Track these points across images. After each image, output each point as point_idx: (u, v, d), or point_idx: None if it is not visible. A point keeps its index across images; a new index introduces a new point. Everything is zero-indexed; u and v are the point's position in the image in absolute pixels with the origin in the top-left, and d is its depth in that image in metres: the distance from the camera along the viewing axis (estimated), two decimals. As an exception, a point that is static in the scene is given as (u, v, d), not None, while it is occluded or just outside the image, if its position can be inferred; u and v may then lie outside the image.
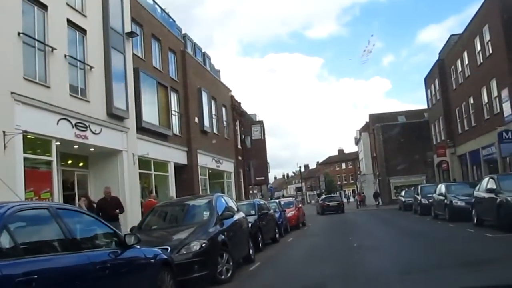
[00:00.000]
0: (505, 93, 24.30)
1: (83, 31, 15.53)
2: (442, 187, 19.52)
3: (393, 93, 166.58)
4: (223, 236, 8.79)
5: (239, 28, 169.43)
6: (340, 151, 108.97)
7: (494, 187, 12.88)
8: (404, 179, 45.56)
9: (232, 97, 34.28)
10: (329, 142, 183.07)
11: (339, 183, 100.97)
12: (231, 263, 8.64)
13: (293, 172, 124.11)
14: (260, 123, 37.32)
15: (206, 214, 9.26)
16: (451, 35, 37.46)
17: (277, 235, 16.14)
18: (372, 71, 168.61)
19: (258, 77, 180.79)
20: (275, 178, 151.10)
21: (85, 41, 15.78)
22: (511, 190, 12.40)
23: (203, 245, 8.06)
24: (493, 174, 15.45)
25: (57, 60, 13.75)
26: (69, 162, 16.31)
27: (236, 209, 11.06)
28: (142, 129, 19.43)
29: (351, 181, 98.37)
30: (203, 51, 32.63)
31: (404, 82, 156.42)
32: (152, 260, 5.82)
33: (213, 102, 29.28)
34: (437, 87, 37.94)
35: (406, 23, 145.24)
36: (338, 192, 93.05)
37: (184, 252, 7.90)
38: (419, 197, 24.64)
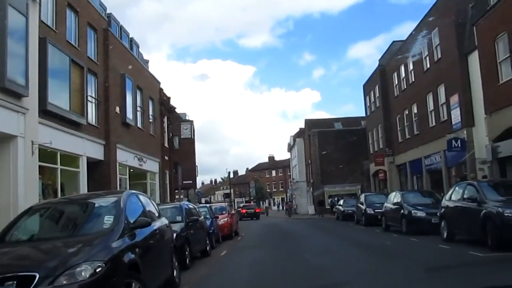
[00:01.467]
0: (454, 99, 22.94)
1: (-34, -24, 11.81)
2: (397, 196, 17.46)
3: (322, 105, 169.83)
4: (132, 255, 5.71)
5: (173, 32, 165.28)
6: (271, 158, 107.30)
7: (476, 195, 10.74)
8: (339, 187, 44.05)
9: (161, 90, 30.88)
10: (258, 149, 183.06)
11: (268, 190, 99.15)
12: (142, 298, 5.57)
13: (222, 178, 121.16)
14: (191, 122, 34.03)
15: (108, 220, 6.09)
16: (393, 41, 36.50)
17: (208, 248, 13.16)
18: (303, 83, 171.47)
19: (189, 82, 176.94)
20: (203, 183, 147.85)
21: (-30, -10, 12.07)
22: (497, 199, 10.32)
23: (98, 270, 4.96)
24: (471, 180, 13.45)
25: None
26: None
27: (157, 214, 8.00)
28: (47, 113, 15.79)
29: (281, 189, 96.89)
30: (130, 36, 29.08)
31: (333, 95, 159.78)
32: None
33: (138, 93, 25.81)
34: (377, 94, 36.74)
35: (338, 38, 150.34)
36: (267, 200, 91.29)
37: (64, 283, 4.76)
38: (363, 207, 22.62)
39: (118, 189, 21.20)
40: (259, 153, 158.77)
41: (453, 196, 12.27)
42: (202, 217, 13.78)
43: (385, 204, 18.41)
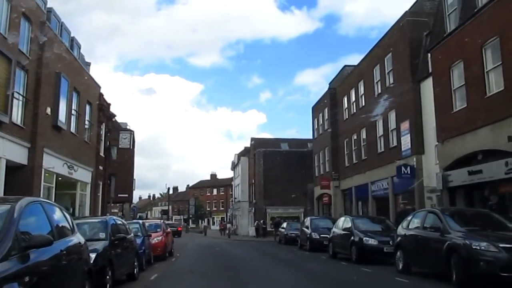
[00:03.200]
0: (405, 125, 22.59)
1: None
2: (347, 221, 16.44)
3: (267, 127, 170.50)
4: (18, 286, 4.11)
5: (122, 44, 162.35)
6: (213, 176, 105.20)
7: (438, 224, 9.80)
8: (282, 209, 43.02)
9: (101, 95, 28.78)
10: (200, 167, 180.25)
11: (208, 209, 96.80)
12: None
13: (161, 194, 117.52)
14: (131, 132, 31.91)
15: (-10, 237, 4.46)
16: (345, 66, 36.39)
17: (135, 270, 11.45)
18: (249, 104, 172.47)
19: (136, 95, 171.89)
20: (140, 198, 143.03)
21: None
22: (461, 230, 9.41)
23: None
24: (433, 208, 12.54)
25: None
26: None
27: (71, 230, 6.40)
28: (-41, 105, 13.69)
29: (222, 208, 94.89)
30: (71, 35, 27.03)
31: (278, 118, 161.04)
32: None
33: (75, 95, 23.73)
34: (326, 117, 36.31)
35: (286, 64, 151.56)
36: (206, 219, 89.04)
37: None
38: (308, 231, 21.50)
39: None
40: (201, 171, 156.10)
41: (411, 225, 11.33)
42: (132, 234, 12.07)
43: (333, 230, 17.37)
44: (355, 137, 30.23)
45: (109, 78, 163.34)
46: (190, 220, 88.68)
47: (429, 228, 10.12)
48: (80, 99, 24.40)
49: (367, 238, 14.22)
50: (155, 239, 16.73)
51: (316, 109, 39.68)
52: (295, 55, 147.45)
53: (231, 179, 72.72)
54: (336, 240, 16.78)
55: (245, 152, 53.64)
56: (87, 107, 26.13)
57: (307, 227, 21.94)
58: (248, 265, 15.57)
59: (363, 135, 28.71)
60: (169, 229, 20.58)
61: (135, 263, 11.47)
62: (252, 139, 50.47)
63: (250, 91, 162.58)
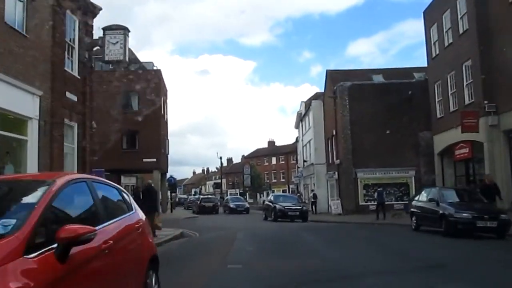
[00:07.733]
0: None
1: None
2: None
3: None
4: None
5: (173, 31, 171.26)
6: (271, 143, 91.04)
7: None
8: (381, 173, 28.41)
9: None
10: (257, 142, 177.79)
11: (267, 181, 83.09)
12: None
13: (216, 168, 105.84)
14: (124, 31, 17.37)
15: None
16: None
17: None
18: (301, 79, 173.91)
19: (191, 77, 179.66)
20: (194, 173, 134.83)
21: None
22: None
23: None
24: None
25: None
26: None
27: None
28: None
29: (282, 180, 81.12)
30: None
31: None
32: None
33: None
34: (459, 14, 21.43)
35: (337, 36, 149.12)
36: (265, 192, 75.75)
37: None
38: None
39: None
40: (258, 144, 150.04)
41: None
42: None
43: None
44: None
45: (167, 61, 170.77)
46: (247, 194, 75.40)
47: None
48: None
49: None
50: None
51: (433, 10, 24.73)
52: (346, 27, 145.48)
53: (294, 144, 58.79)
54: None
55: (317, 97, 39.14)
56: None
57: None
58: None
59: None
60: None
61: None
62: (329, 71, 35.35)
63: (302, 65, 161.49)
